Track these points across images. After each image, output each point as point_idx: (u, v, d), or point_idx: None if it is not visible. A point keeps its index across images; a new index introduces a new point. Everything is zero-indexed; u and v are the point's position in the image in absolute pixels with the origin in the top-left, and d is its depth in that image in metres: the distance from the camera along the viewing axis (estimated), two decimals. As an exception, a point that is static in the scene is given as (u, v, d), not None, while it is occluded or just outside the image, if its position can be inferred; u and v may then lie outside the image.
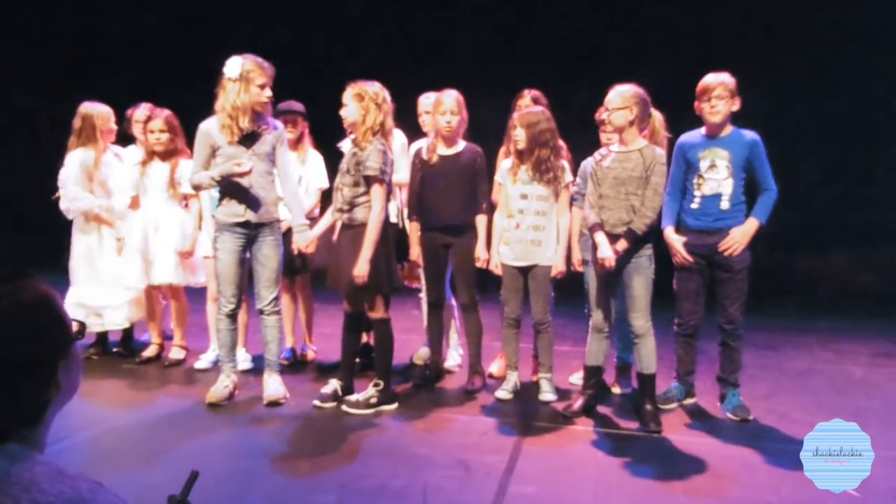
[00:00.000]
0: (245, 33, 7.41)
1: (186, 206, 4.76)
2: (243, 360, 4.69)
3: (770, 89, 6.47)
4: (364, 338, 4.59)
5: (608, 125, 3.89)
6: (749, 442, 3.59)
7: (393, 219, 4.43)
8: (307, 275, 4.81)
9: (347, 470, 3.27)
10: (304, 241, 4.11)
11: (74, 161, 4.67)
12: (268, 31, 7.67)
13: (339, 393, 4.10)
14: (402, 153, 4.60)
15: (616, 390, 4.37)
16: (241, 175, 3.87)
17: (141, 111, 4.83)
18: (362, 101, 3.89)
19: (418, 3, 7.87)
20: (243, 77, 3.84)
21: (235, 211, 3.98)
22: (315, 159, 4.79)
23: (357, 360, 4.34)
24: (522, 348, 4.39)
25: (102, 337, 5.02)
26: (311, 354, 4.94)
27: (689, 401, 4.15)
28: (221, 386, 4.11)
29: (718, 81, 3.83)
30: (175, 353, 4.86)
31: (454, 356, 4.82)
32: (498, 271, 4.26)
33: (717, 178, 3.87)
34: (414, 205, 4.41)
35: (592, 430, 3.78)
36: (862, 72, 7.01)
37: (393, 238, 4.15)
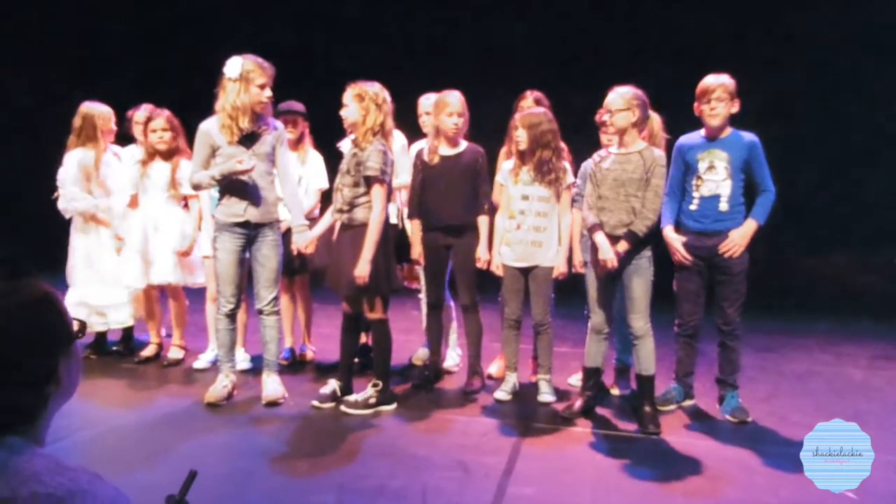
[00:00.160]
0: (245, 33, 7.41)
1: (186, 206, 4.76)
2: (242, 360, 4.69)
3: (770, 90, 6.47)
4: (363, 338, 4.58)
5: (610, 126, 3.87)
6: (748, 444, 3.58)
7: (393, 220, 4.43)
8: (306, 275, 4.81)
9: (346, 470, 3.27)
10: (304, 241, 4.11)
11: (73, 161, 4.67)
12: (268, 31, 7.67)
13: (338, 393, 4.10)
14: (402, 154, 4.60)
15: (615, 392, 4.37)
16: (243, 172, 3.87)
17: (141, 112, 4.83)
18: (363, 102, 3.89)
19: (418, 3, 7.86)
20: (243, 77, 3.84)
21: (235, 211, 3.98)
22: (315, 160, 4.79)
23: (356, 360, 4.34)
24: (522, 349, 4.39)
25: (101, 337, 5.02)
26: (309, 354, 4.94)
27: (688, 402, 4.15)
28: (220, 386, 4.11)
29: (718, 83, 3.83)
30: (174, 353, 4.86)
31: (453, 357, 4.82)
32: (499, 272, 4.26)
33: (715, 179, 3.87)
34: (415, 204, 4.40)
35: (591, 432, 3.77)
36: (862, 72, 7.01)
37: (393, 239, 4.15)
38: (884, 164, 7.15)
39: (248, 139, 3.95)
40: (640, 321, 3.81)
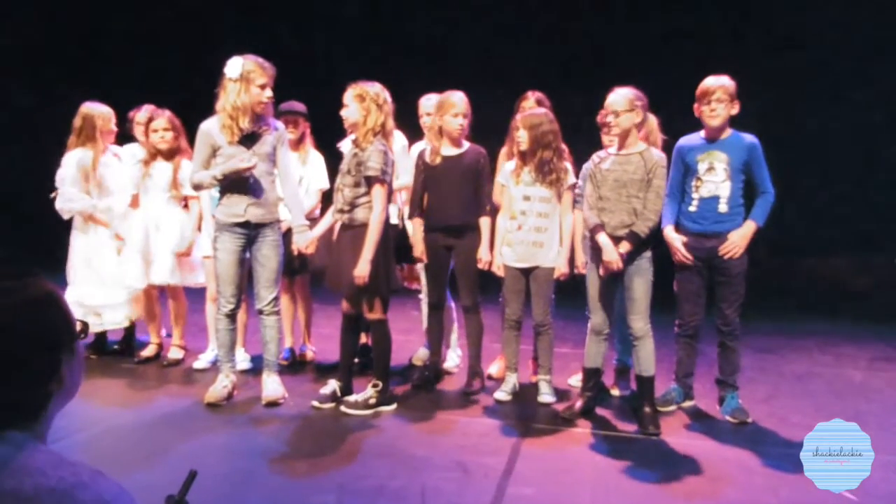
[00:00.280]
0: (245, 33, 7.41)
1: (186, 206, 4.76)
2: (242, 360, 4.69)
3: (769, 91, 6.47)
4: (363, 338, 4.58)
5: (615, 127, 3.81)
6: (748, 445, 3.58)
7: (394, 220, 4.43)
8: (306, 275, 4.81)
9: (346, 471, 3.27)
10: (304, 241, 4.11)
11: (72, 161, 4.67)
12: (268, 31, 7.67)
13: (338, 393, 4.10)
14: (402, 155, 4.59)
15: (615, 392, 4.37)
16: (246, 171, 3.87)
17: (142, 113, 4.83)
18: (363, 102, 3.89)
19: (418, 3, 7.87)
20: (244, 77, 3.84)
21: (235, 211, 3.98)
22: (316, 160, 4.79)
23: (356, 360, 4.34)
24: (522, 350, 4.39)
25: (101, 337, 5.02)
26: (309, 355, 4.94)
27: (687, 403, 4.15)
28: (220, 386, 4.11)
29: (718, 85, 3.82)
30: (174, 353, 4.86)
31: (453, 358, 4.82)
32: (500, 273, 4.25)
33: (714, 180, 3.87)
34: (416, 203, 4.40)
35: (591, 433, 3.77)
36: (862, 72, 7.02)
37: (393, 239, 4.15)
38: (884, 165, 7.15)
39: (249, 139, 3.95)
40: (640, 322, 3.81)
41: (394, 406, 4.08)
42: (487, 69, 7.08)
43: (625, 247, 3.74)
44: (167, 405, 4.10)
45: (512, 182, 4.20)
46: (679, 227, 3.98)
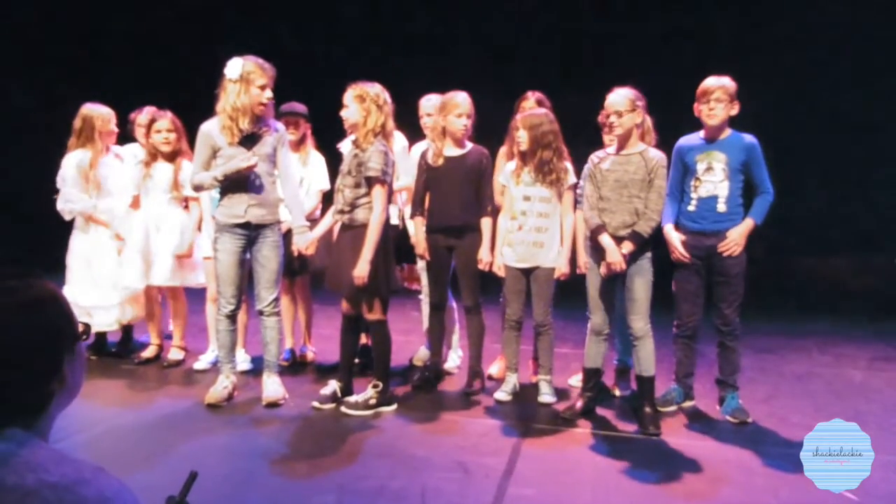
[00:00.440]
0: (245, 33, 7.41)
1: (186, 207, 4.76)
2: (242, 360, 4.69)
3: (769, 89, 6.47)
4: (363, 339, 4.58)
5: (618, 128, 3.78)
6: (748, 445, 3.59)
7: (394, 220, 4.43)
8: (306, 276, 4.81)
9: (346, 471, 3.27)
10: (305, 242, 4.11)
11: (71, 162, 4.67)
12: (268, 31, 7.67)
13: (338, 394, 4.10)
14: (403, 156, 4.59)
15: (615, 393, 4.37)
16: (248, 169, 3.87)
17: (143, 115, 4.84)
18: (363, 103, 3.89)
19: (418, 3, 7.87)
20: (244, 78, 3.84)
21: (236, 212, 3.98)
22: (317, 161, 4.78)
23: (356, 361, 4.34)
24: (522, 350, 4.39)
25: (101, 338, 5.02)
26: (310, 355, 4.94)
27: (688, 404, 4.14)
28: (220, 387, 4.11)
29: (718, 85, 3.83)
30: (174, 354, 4.86)
31: (454, 358, 4.82)
32: (500, 273, 4.25)
33: (713, 180, 3.87)
34: (418, 203, 4.39)
35: (591, 433, 3.77)
36: (862, 71, 7.02)
37: (393, 240, 4.15)
38: (884, 165, 7.15)
39: (249, 140, 3.95)
40: (640, 322, 3.81)
41: (394, 406, 4.08)
42: (487, 69, 7.08)
43: (627, 247, 3.74)
44: (167, 406, 4.10)
45: (512, 182, 4.20)
46: (678, 227, 3.98)
